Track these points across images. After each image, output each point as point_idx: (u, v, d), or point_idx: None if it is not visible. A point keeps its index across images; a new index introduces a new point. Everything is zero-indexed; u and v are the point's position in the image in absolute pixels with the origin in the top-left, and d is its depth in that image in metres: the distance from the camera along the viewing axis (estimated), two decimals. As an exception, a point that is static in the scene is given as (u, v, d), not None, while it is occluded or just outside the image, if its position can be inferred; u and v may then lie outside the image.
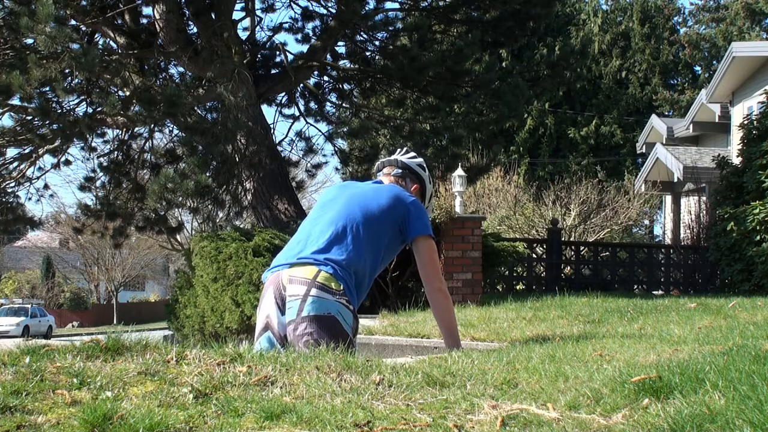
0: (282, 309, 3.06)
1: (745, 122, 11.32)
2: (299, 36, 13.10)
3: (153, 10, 11.13)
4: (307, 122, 13.49)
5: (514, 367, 2.74)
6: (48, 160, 12.90)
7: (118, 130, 12.64)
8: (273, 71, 12.48)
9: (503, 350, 3.51)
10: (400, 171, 3.51)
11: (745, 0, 29.54)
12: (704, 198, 15.94)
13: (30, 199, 13.72)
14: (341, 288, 3.04)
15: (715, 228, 11.24)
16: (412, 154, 3.63)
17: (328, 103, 13.70)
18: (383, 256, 3.28)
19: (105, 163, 12.94)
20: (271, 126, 12.75)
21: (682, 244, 14.71)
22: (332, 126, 13.58)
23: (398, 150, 3.69)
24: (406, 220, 3.25)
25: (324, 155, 16.23)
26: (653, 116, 22.93)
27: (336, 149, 13.88)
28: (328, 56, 12.88)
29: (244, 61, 11.17)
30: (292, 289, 3.03)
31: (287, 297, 3.04)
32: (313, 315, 2.98)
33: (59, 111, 10.78)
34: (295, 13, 14.95)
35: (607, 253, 12.88)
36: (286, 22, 13.15)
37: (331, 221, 3.19)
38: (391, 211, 3.23)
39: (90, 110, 12.05)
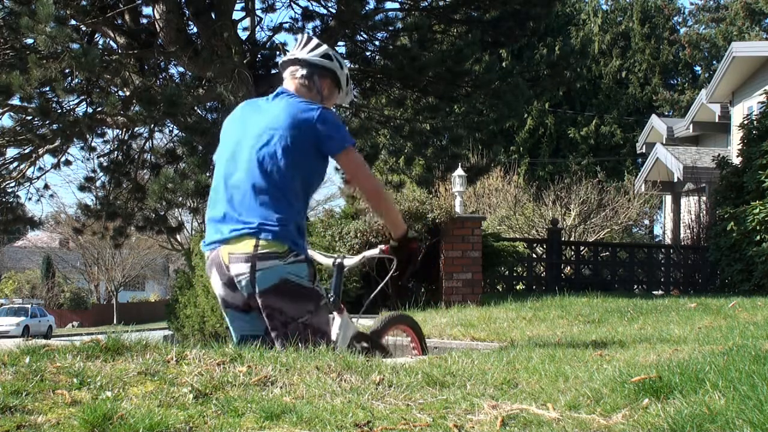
0: (233, 287, 2.95)
1: (745, 122, 11.33)
2: (299, 36, 13.10)
3: (153, 10, 11.13)
4: (307, 122, 13.48)
5: (514, 367, 2.74)
6: (48, 160, 12.92)
7: (118, 130, 12.65)
8: (273, 71, 12.47)
9: (503, 350, 3.51)
10: (305, 71, 3.11)
11: (745, 0, 29.55)
12: (704, 198, 15.94)
13: (30, 199, 13.74)
14: (285, 247, 2.89)
15: (715, 228, 11.24)
16: (314, 43, 3.17)
17: (328, 103, 13.69)
18: (313, 182, 3.08)
19: (105, 163, 12.95)
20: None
21: (682, 244, 14.72)
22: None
23: (298, 42, 3.21)
24: (319, 141, 2.97)
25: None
26: (653, 116, 22.93)
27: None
28: (328, 56, 12.87)
29: (244, 61, 11.17)
30: (235, 269, 2.90)
31: (234, 276, 2.92)
32: (267, 287, 2.88)
33: (59, 111, 10.78)
34: (295, 13, 14.97)
35: (607, 253, 12.88)
36: (286, 22, 13.16)
37: (247, 174, 2.94)
38: (300, 140, 2.94)
39: (90, 110, 12.06)
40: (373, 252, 3.37)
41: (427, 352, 3.78)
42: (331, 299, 3.20)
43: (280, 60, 3.25)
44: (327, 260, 3.38)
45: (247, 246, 2.88)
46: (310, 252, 3.47)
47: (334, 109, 3.28)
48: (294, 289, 2.91)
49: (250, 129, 3.03)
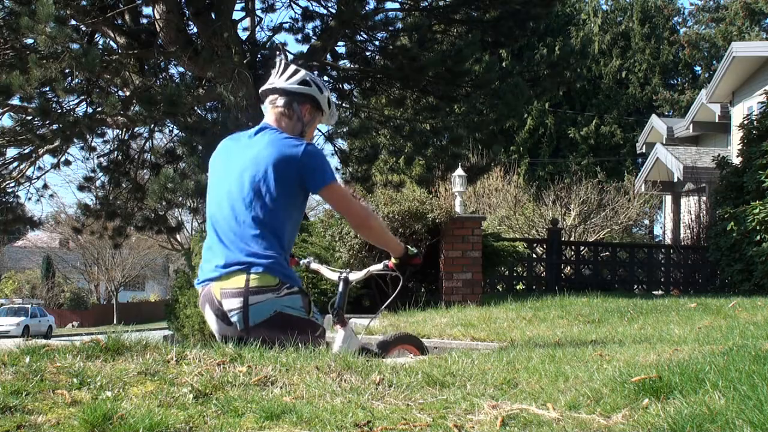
0: (227, 321, 2.98)
1: (745, 122, 11.33)
2: (299, 36, 13.10)
3: (153, 10, 11.13)
4: (307, 122, 13.48)
5: (514, 367, 2.74)
6: (48, 160, 12.92)
7: (118, 130, 12.65)
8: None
9: (503, 350, 3.51)
10: (284, 100, 3.13)
11: (745, 0, 29.55)
12: (704, 198, 15.94)
13: (30, 199, 13.76)
14: (277, 280, 2.93)
15: (715, 228, 11.24)
16: (291, 70, 3.17)
17: (328, 103, 13.68)
18: (298, 215, 3.14)
19: (105, 163, 12.96)
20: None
21: (682, 244, 14.72)
22: (332, 126, 13.58)
23: (276, 70, 3.21)
24: (303, 178, 3.00)
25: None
26: (653, 116, 22.93)
27: (336, 149, 13.89)
28: (328, 56, 12.89)
29: (244, 61, 11.17)
30: (228, 304, 2.95)
31: (227, 311, 2.96)
32: (261, 321, 2.92)
33: (59, 111, 10.78)
34: (295, 13, 14.96)
35: (607, 253, 12.88)
36: (286, 22, 13.17)
37: (233, 211, 2.99)
38: (285, 176, 2.97)
39: (90, 110, 12.06)
40: (378, 267, 3.43)
41: None
42: (335, 312, 3.25)
43: (260, 89, 3.25)
44: (333, 275, 3.42)
45: (239, 281, 2.92)
46: (316, 266, 3.54)
47: (319, 146, 3.31)
48: (288, 321, 2.94)
49: (235, 166, 3.06)
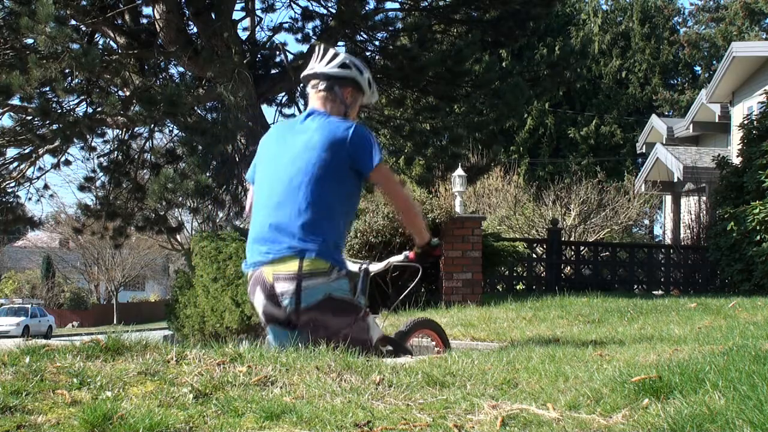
0: (277, 303, 3.05)
1: (745, 122, 11.33)
2: (299, 36, 13.09)
3: (153, 10, 11.12)
4: (307, 122, 13.49)
5: (514, 367, 2.74)
6: (48, 160, 12.91)
7: (118, 130, 12.64)
8: (273, 71, 12.47)
9: (503, 350, 3.51)
10: (325, 84, 3.21)
11: (745, 0, 29.55)
12: (704, 198, 15.93)
13: (30, 199, 13.74)
14: (328, 264, 3.01)
15: (715, 228, 11.24)
16: (330, 54, 3.23)
17: (328, 103, 13.68)
18: (352, 198, 3.20)
19: (105, 163, 12.95)
20: (271, 126, 12.74)
21: (682, 244, 14.72)
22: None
23: (316, 54, 3.28)
24: (353, 160, 3.08)
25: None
26: (653, 116, 22.92)
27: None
28: (328, 56, 12.86)
29: (244, 61, 11.16)
30: (281, 287, 3.02)
31: (279, 294, 3.03)
32: (312, 303, 3.00)
33: (59, 111, 10.77)
34: (295, 13, 14.96)
35: (607, 253, 12.88)
36: (286, 22, 13.15)
37: (287, 196, 3.06)
38: (336, 159, 3.05)
39: (90, 110, 12.06)
40: (399, 258, 3.48)
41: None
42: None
43: (302, 74, 3.34)
44: (354, 266, 3.47)
45: (292, 266, 3.00)
46: None
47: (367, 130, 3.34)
48: (337, 303, 3.05)
49: (287, 151, 3.15)
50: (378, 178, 3.19)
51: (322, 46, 3.31)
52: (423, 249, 3.35)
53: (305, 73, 3.29)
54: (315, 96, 3.25)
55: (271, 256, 3.04)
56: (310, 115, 3.21)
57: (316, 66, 3.25)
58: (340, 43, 13.03)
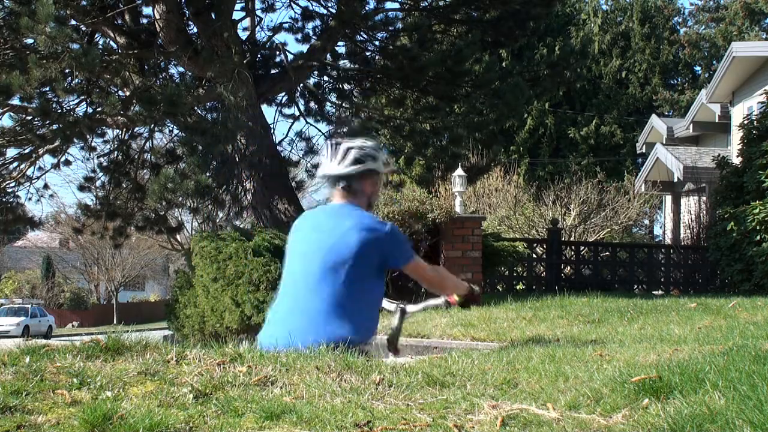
0: None
1: (745, 122, 11.33)
2: (299, 36, 13.10)
3: (153, 10, 11.12)
4: (307, 122, 13.52)
5: (514, 367, 2.74)
6: (48, 160, 12.88)
7: (118, 130, 12.63)
8: (273, 71, 12.47)
9: (503, 350, 3.51)
10: (343, 184, 3.21)
11: (745, 0, 29.54)
12: (704, 198, 15.93)
13: (30, 199, 13.71)
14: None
15: (715, 228, 11.24)
16: (342, 151, 3.19)
17: (328, 103, 13.70)
18: (380, 289, 3.25)
19: (105, 163, 12.94)
20: (271, 126, 12.75)
21: (682, 244, 14.72)
22: (332, 126, 13.58)
23: (328, 154, 3.24)
24: (386, 258, 3.16)
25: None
26: (653, 116, 22.92)
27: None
28: (328, 56, 12.87)
29: (244, 61, 11.16)
30: None
31: None
32: None
33: (59, 111, 10.76)
34: (295, 13, 14.96)
35: (607, 253, 12.87)
36: (286, 22, 13.15)
37: (315, 293, 3.06)
38: (367, 259, 3.09)
39: (90, 110, 12.05)
40: (438, 302, 3.58)
41: None
42: (390, 341, 3.46)
43: (317, 174, 3.42)
44: (391, 306, 3.50)
45: None
46: None
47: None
48: None
49: (316, 245, 3.15)
50: (412, 272, 3.31)
51: (331, 144, 3.27)
52: (466, 297, 3.47)
53: (320, 173, 3.29)
54: (336, 192, 3.27)
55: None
56: (342, 208, 3.22)
57: (329, 168, 3.21)
58: (340, 43, 13.05)
